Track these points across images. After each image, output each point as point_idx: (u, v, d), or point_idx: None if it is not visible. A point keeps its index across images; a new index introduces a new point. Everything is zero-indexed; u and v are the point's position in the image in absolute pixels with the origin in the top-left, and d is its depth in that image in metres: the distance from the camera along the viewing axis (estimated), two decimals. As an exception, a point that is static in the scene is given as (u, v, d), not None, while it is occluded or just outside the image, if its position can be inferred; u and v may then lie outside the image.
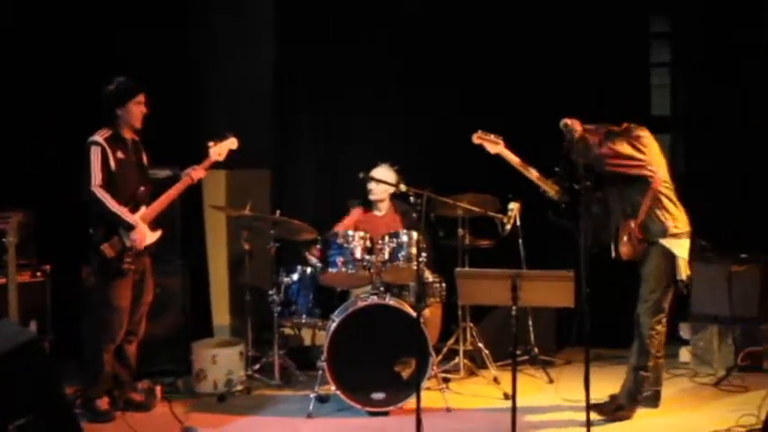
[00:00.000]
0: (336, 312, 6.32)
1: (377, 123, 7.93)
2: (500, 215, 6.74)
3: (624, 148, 5.76)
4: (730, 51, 7.60)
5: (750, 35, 7.45)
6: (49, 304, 6.61)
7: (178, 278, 7.11)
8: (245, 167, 7.92)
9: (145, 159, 6.22)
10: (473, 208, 6.77)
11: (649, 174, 5.78)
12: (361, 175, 6.55)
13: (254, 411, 6.30)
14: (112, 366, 6.11)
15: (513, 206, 6.71)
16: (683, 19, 8.11)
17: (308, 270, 6.76)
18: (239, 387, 6.70)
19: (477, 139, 6.23)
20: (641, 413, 5.96)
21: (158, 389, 6.41)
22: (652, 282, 5.85)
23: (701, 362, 7.17)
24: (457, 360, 6.98)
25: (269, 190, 8.23)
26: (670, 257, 5.82)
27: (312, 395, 6.17)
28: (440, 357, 6.89)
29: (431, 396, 6.24)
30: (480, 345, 6.97)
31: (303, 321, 6.86)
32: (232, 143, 6.31)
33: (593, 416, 5.51)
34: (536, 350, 7.21)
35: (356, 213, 7.24)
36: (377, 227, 6.88)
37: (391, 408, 6.05)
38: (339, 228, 6.97)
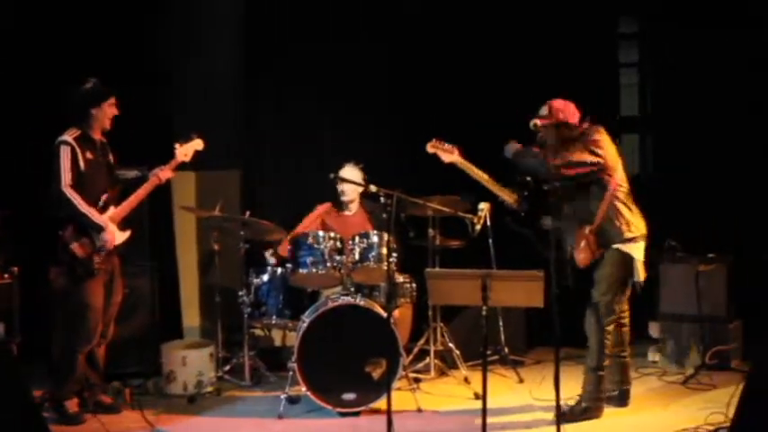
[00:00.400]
0: (307, 313, 6.30)
1: (346, 123, 7.93)
2: (470, 215, 6.73)
3: (581, 155, 5.74)
4: (698, 52, 7.65)
5: (718, 35, 7.50)
6: (16, 306, 6.52)
7: (147, 279, 7.06)
8: (215, 168, 7.90)
9: (112, 160, 6.19)
10: (443, 208, 6.77)
11: (606, 178, 5.79)
12: (332, 176, 6.56)
13: (224, 413, 6.29)
14: (84, 368, 6.06)
15: (483, 206, 6.71)
16: (651, 19, 8.16)
17: (279, 271, 6.75)
18: (209, 388, 6.67)
19: (431, 148, 6.17)
20: (610, 412, 5.99)
21: (127, 391, 6.38)
22: (604, 285, 5.85)
23: (669, 360, 7.23)
24: (427, 360, 6.98)
25: (239, 191, 8.19)
26: (626, 262, 5.82)
27: (283, 396, 6.15)
28: (410, 358, 6.90)
29: (402, 396, 6.25)
30: (451, 345, 6.98)
31: (273, 322, 6.84)
32: (198, 144, 6.29)
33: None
34: (506, 350, 7.23)
35: (321, 209, 7.20)
36: (347, 227, 6.88)
37: (362, 408, 6.04)
38: (303, 225, 6.97)
